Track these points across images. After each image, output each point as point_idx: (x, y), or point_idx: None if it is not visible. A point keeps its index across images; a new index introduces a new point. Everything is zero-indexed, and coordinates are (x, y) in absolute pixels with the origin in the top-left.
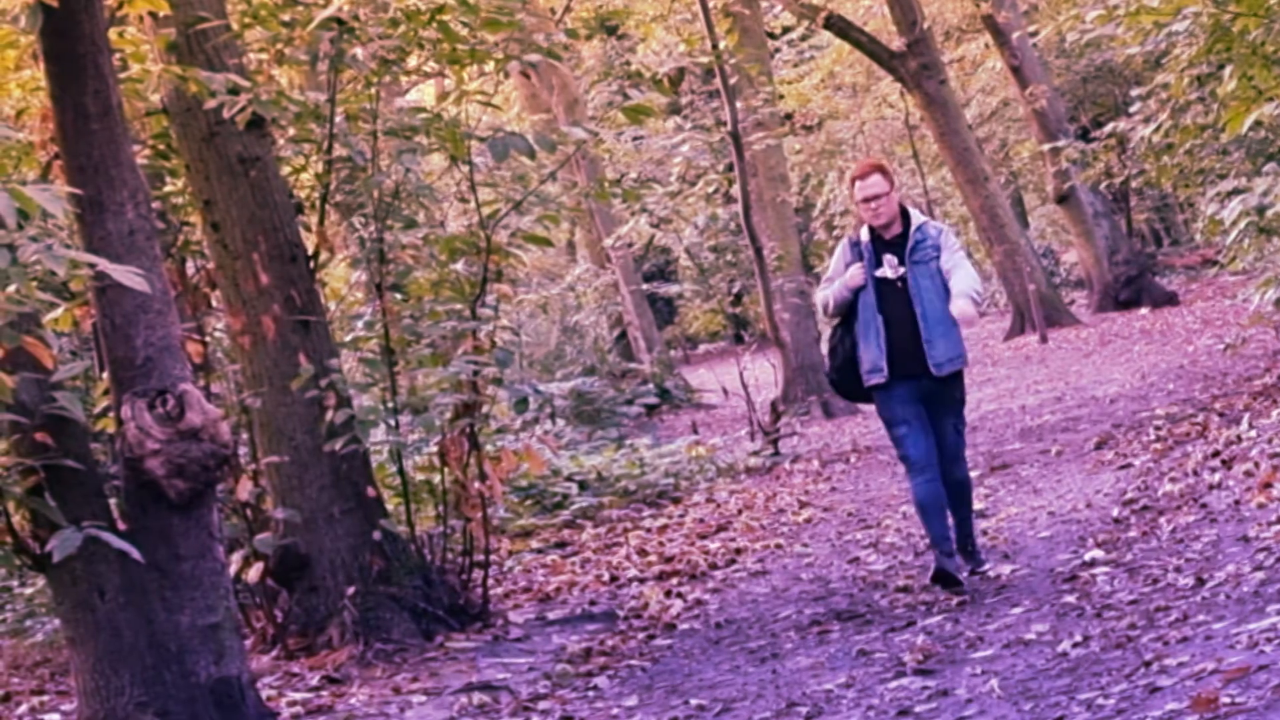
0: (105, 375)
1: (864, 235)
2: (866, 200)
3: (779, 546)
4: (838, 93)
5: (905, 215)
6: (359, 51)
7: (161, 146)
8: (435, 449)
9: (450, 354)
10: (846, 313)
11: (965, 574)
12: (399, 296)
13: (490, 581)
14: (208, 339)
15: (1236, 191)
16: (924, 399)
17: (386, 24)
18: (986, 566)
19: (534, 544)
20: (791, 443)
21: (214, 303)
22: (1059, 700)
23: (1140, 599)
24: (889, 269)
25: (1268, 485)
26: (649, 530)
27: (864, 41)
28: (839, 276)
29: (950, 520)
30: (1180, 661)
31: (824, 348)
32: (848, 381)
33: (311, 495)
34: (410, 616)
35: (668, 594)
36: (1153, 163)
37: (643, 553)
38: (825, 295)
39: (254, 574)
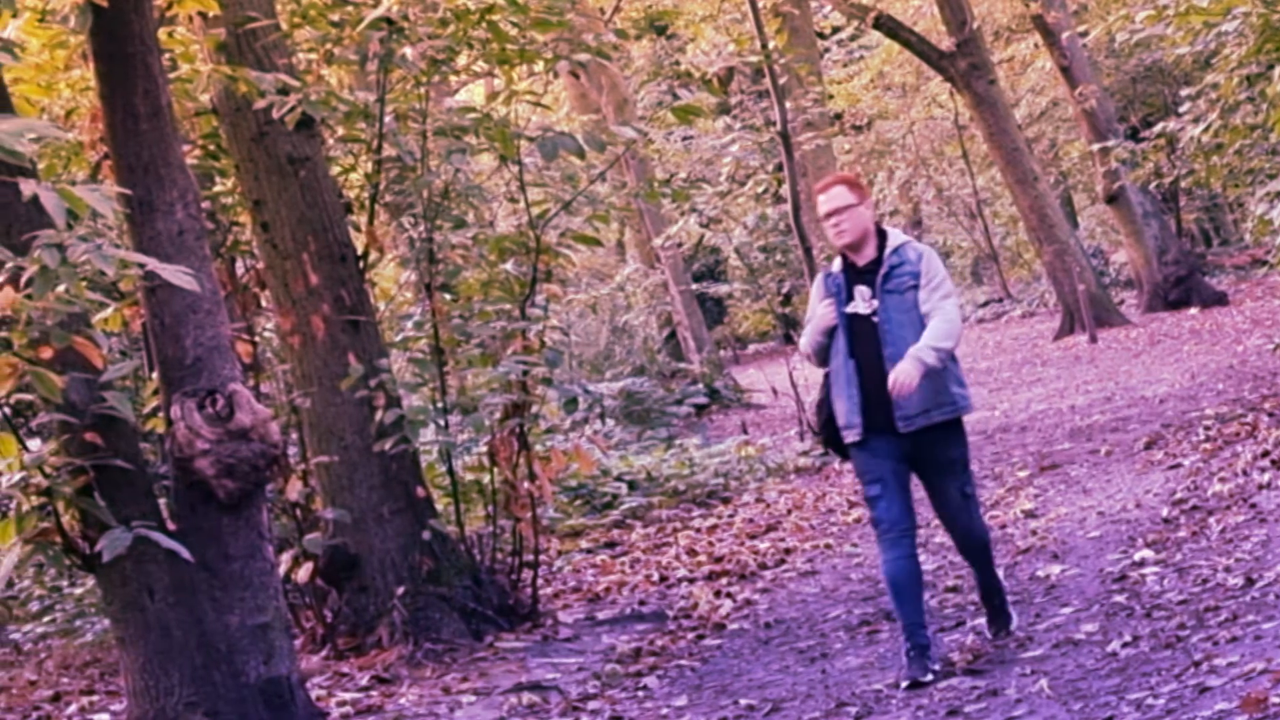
0: (155, 375)
1: (836, 266)
2: (828, 216)
3: (828, 546)
4: (887, 92)
5: (881, 237)
6: (408, 51)
7: (211, 146)
8: (485, 449)
9: (500, 354)
10: (827, 359)
11: (989, 633)
12: (448, 296)
13: (540, 581)
14: (257, 339)
15: None
16: (906, 457)
17: (436, 24)
18: (1014, 625)
19: (583, 544)
20: None
21: (263, 302)
22: (1108, 700)
23: (1190, 599)
24: (861, 303)
25: None
26: (698, 530)
27: (913, 41)
28: (816, 318)
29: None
30: (1230, 661)
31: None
32: (836, 438)
33: (361, 495)
34: (460, 616)
35: (717, 594)
36: (1202, 163)
37: (692, 553)
38: (804, 343)
39: (304, 574)
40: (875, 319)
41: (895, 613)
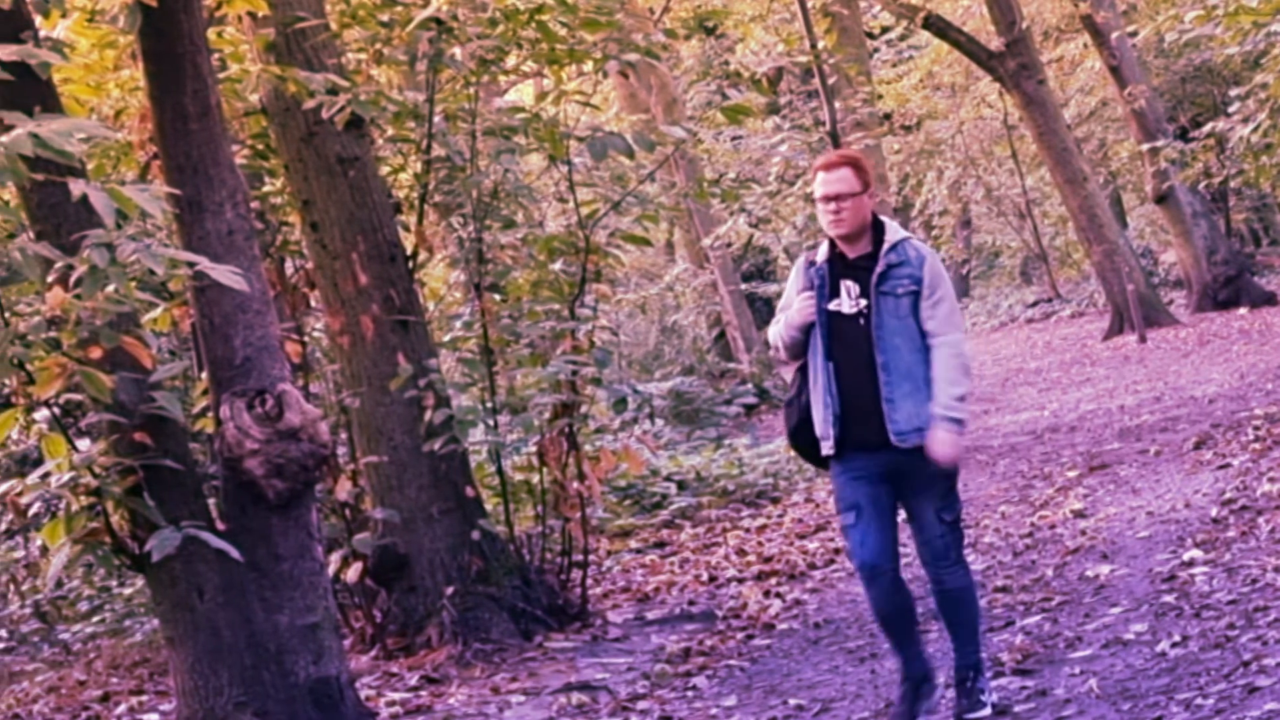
0: (204, 375)
1: (821, 255)
2: (827, 199)
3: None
4: (936, 92)
5: (878, 229)
6: (458, 51)
7: (260, 146)
8: (534, 449)
9: (549, 354)
10: (804, 354)
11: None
12: (498, 296)
13: (589, 581)
14: (306, 339)
15: None
16: (888, 477)
17: (485, 24)
18: (986, 712)
19: (633, 544)
20: None
21: (313, 303)
22: (1157, 700)
23: (1239, 599)
24: (846, 300)
25: None
26: (748, 530)
27: (963, 41)
28: (792, 310)
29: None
30: (1279, 662)
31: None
32: (806, 444)
33: (410, 495)
34: (509, 616)
35: (766, 594)
36: (1251, 162)
37: (741, 552)
38: (774, 333)
39: (353, 574)
40: (861, 320)
41: (889, 645)
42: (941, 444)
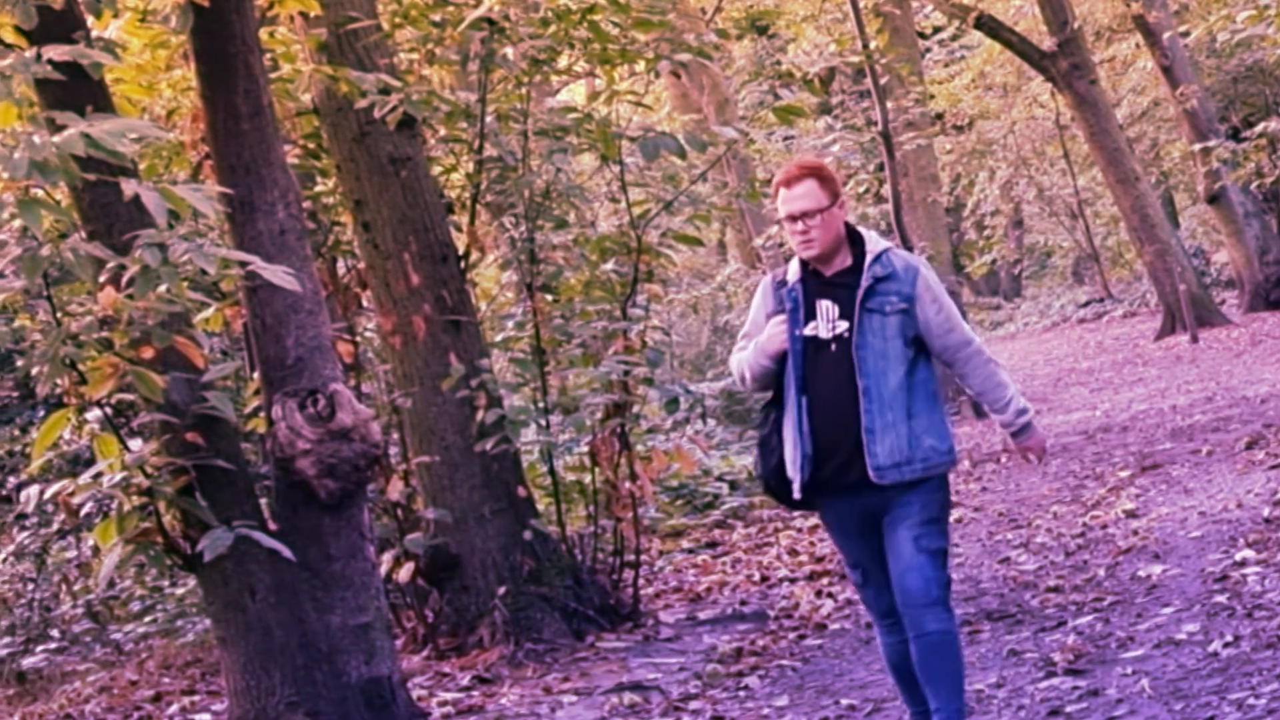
0: (256, 375)
1: (792, 273)
2: (792, 218)
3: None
4: (988, 92)
5: (856, 241)
6: (509, 51)
7: (312, 146)
8: (586, 449)
9: (601, 354)
10: (777, 386)
11: None
12: (550, 297)
13: (641, 581)
14: (358, 339)
15: None
16: (871, 520)
17: (537, 24)
18: None
19: (685, 544)
20: None
21: (365, 302)
22: (1210, 700)
23: None
24: (823, 323)
25: None
26: (800, 530)
27: (1014, 41)
28: (757, 334)
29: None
30: None
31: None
32: (784, 487)
33: (462, 495)
34: (561, 616)
35: (818, 594)
36: None
37: (793, 552)
38: (739, 362)
39: (405, 574)
40: (834, 347)
41: (900, 698)
42: (1033, 449)
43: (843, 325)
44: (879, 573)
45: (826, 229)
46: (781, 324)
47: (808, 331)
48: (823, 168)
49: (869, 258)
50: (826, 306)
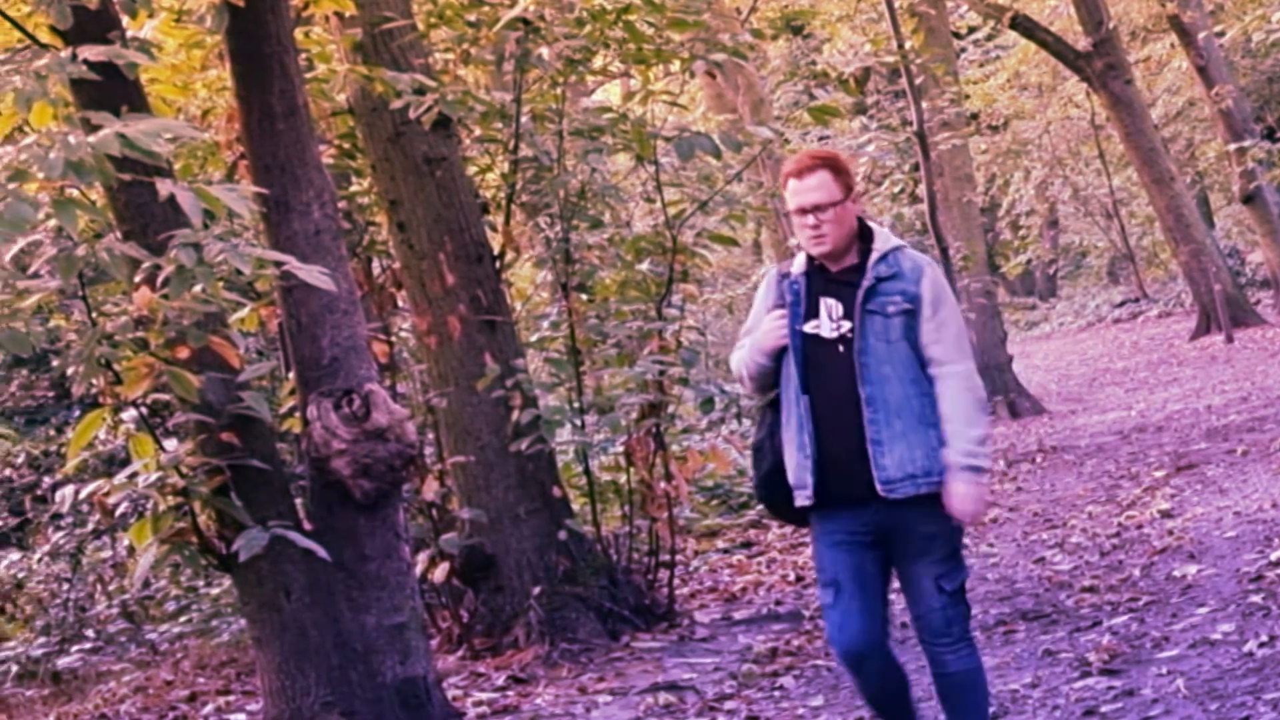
0: (291, 375)
1: (797, 266)
2: (803, 211)
3: (964, 546)
4: (1023, 92)
5: (865, 237)
6: (544, 51)
7: (347, 146)
8: (621, 449)
9: (636, 354)
10: (776, 386)
11: None
12: (585, 296)
13: (676, 581)
14: (393, 339)
15: None
16: (877, 541)
17: (572, 24)
18: None
19: (720, 544)
20: None
21: (400, 303)
22: (1245, 700)
23: None
24: (827, 321)
25: None
26: None
27: (1050, 41)
28: (757, 329)
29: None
30: None
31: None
32: (778, 497)
33: (497, 495)
34: (596, 616)
35: None
36: None
37: None
38: (738, 361)
39: (440, 574)
40: (841, 348)
41: None
42: (962, 498)
43: (846, 325)
44: (855, 594)
45: (839, 224)
46: (781, 319)
47: (808, 329)
48: (837, 157)
49: (874, 256)
50: (830, 305)
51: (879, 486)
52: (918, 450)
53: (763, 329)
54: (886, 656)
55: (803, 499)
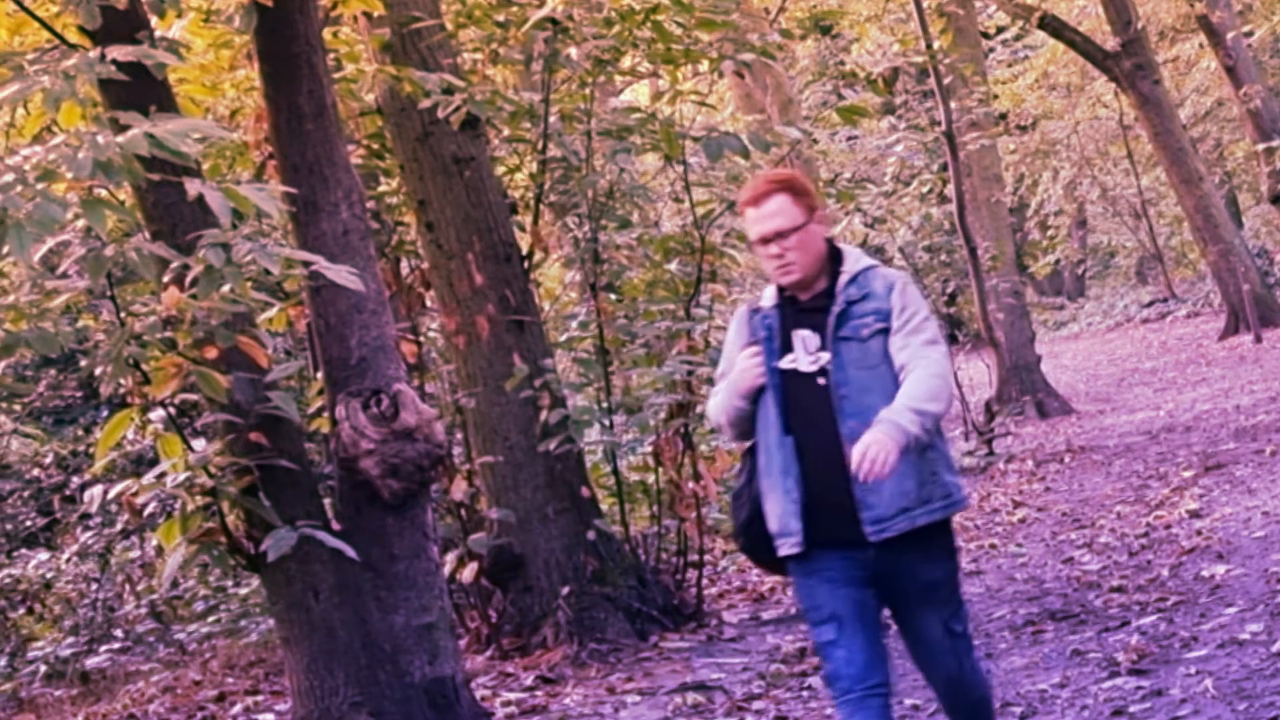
0: (320, 375)
1: (768, 299)
2: (764, 240)
3: (993, 546)
4: (1052, 92)
5: (834, 260)
6: (573, 51)
7: (376, 146)
8: (649, 449)
9: (664, 354)
10: (755, 433)
11: None
12: (613, 296)
13: (704, 581)
14: (422, 339)
15: None
16: (871, 579)
17: (601, 24)
18: None
19: None
20: (1006, 443)
21: (428, 303)
22: (1273, 700)
23: None
24: (803, 354)
25: None
26: None
27: (1078, 41)
28: (734, 373)
29: None
30: None
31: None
32: (760, 545)
33: (526, 495)
34: (624, 616)
35: None
36: None
37: None
38: (714, 408)
39: (468, 574)
40: (821, 380)
41: None
42: (873, 446)
43: (825, 357)
44: (857, 631)
45: (805, 250)
46: (756, 356)
47: (784, 364)
48: (794, 179)
49: (843, 278)
50: (804, 336)
51: (868, 528)
52: (910, 480)
53: (737, 369)
54: (886, 705)
55: (788, 547)
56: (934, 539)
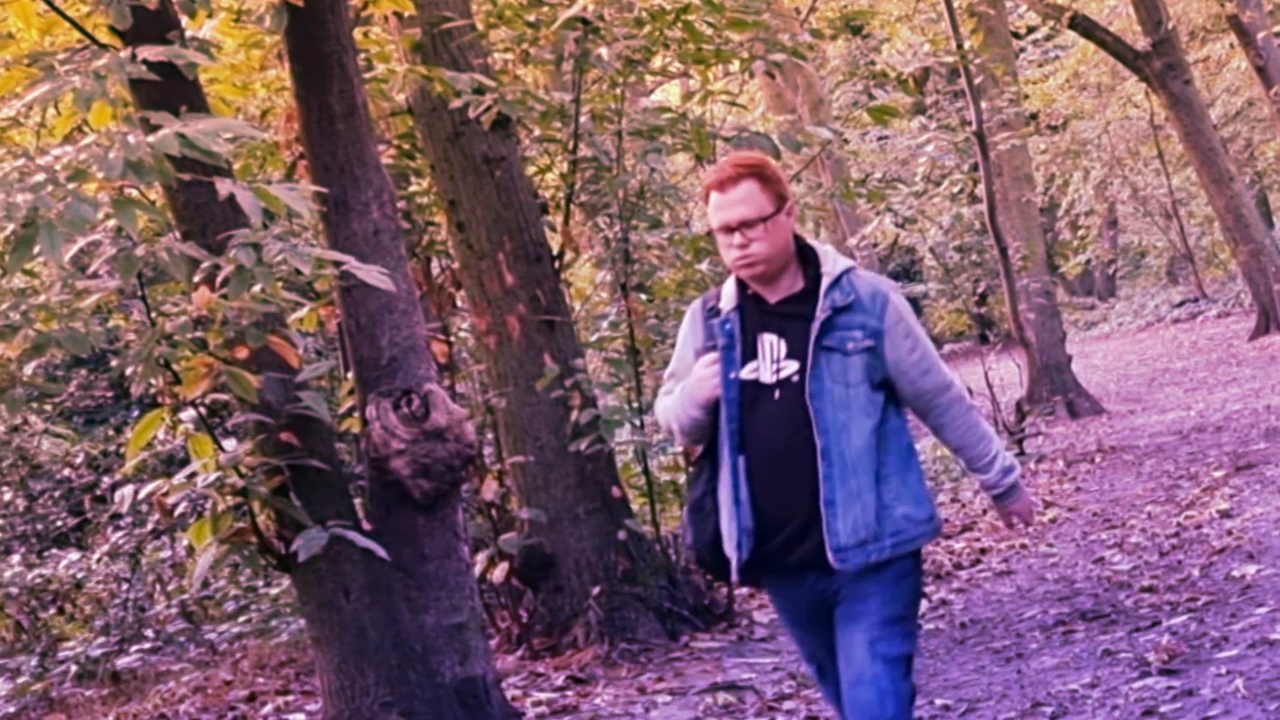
0: (350, 375)
1: (726, 299)
2: (727, 229)
3: (1024, 546)
4: (1082, 92)
5: (808, 259)
6: (604, 51)
7: (406, 146)
8: (680, 449)
9: None
10: (713, 438)
11: None
12: (644, 296)
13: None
14: (453, 339)
15: None
16: (825, 613)
17: (631, 24)
18: None
19: None
20: (1036, 443)
21: (459, 303)
22: None
23: None
24: (765, 364)
25: None
26: None
27: (1109, 41)
28: (685, 375)
29: None
30: None
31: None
32: (718, 560)
33: (557, 495)
34: (655, 616)
35: None
36: None
37: None
38: (664, 410)
39: (499, 574)
40: (779, 393)
41: None
42: (1020, 514)
43: (791, 366)
44: (838, 668)
45: (771, 242)
46: (712, 364)
47: (745, 375)
48: (765, 165)
49: (826, 281)
50: (771, 342)
51: (830, 555)
52: (870, 512)
53: (694, 377)
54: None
55: (731, 571)
56: (884, 570)
